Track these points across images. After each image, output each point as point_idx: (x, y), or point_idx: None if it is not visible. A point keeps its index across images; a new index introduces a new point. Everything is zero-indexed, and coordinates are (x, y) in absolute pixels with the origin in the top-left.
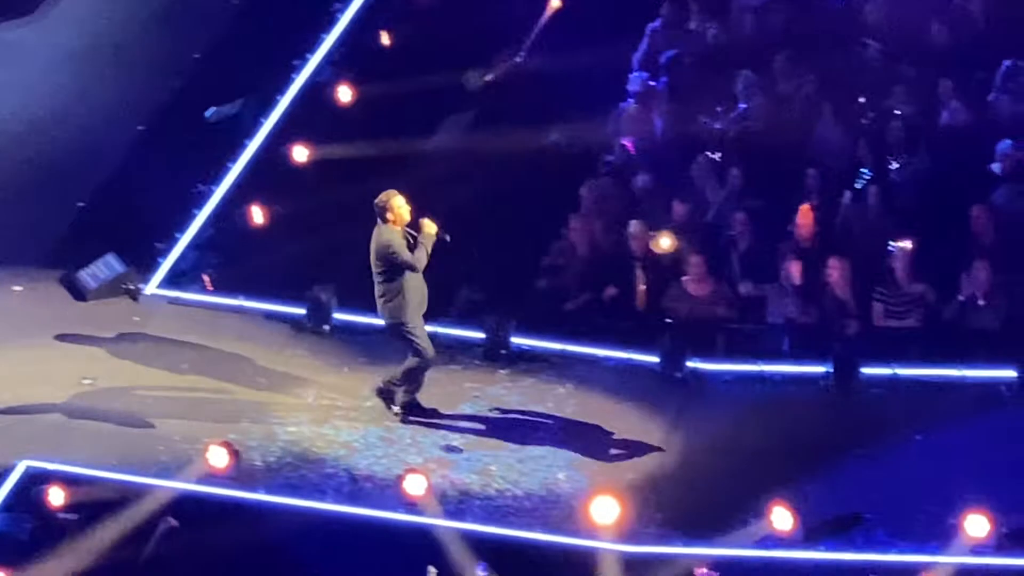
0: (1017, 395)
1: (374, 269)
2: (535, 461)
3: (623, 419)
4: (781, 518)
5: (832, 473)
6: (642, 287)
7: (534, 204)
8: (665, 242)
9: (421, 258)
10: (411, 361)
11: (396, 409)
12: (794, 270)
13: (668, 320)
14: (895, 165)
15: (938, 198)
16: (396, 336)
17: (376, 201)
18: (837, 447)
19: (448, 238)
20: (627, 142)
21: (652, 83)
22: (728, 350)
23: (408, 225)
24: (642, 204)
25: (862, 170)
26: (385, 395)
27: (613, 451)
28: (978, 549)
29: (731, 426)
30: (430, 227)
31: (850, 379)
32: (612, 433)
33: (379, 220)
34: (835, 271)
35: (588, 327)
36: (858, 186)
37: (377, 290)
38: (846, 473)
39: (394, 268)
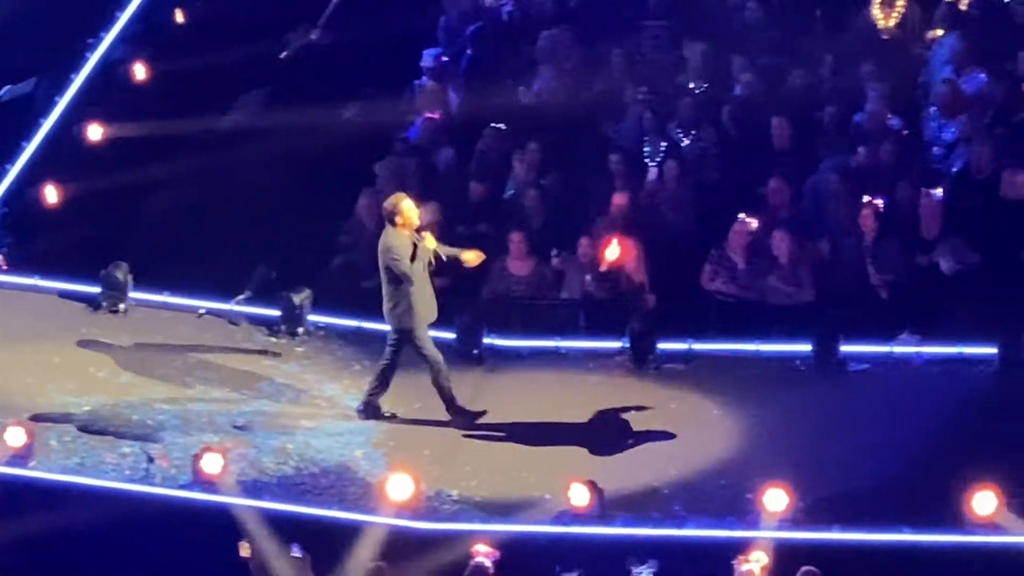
0: (813, 369)
1: (381, 274)
2: (332, 439)
3: (421, 397)
4: (578, 494)
5: (629, 448)
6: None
7: (330, 181)
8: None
9: (416, 268)
10: (430, 373)
11: (387, 411)
12: (598, 249)
13: (483, 296)
14: (686, 141)
15: (735, 172)
16: (406, 343)
17: (385, 204)
18: (634, 423)
19: (443, 257)
20: (430, 116)
21: (445, 59)
22: (525, 326)
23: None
24: (442, 182)
25: (661, 145)
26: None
27: (410, 428)
28: (777, 524)
29: (528, 402)
30: (429, 241)
31: (646, 354)
32: (409, 410)
33: (387, 224)
34: (628, 251)
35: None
36: (654, 162)
37: (384, 296)
38: (643, 448)
39: (395, 273)
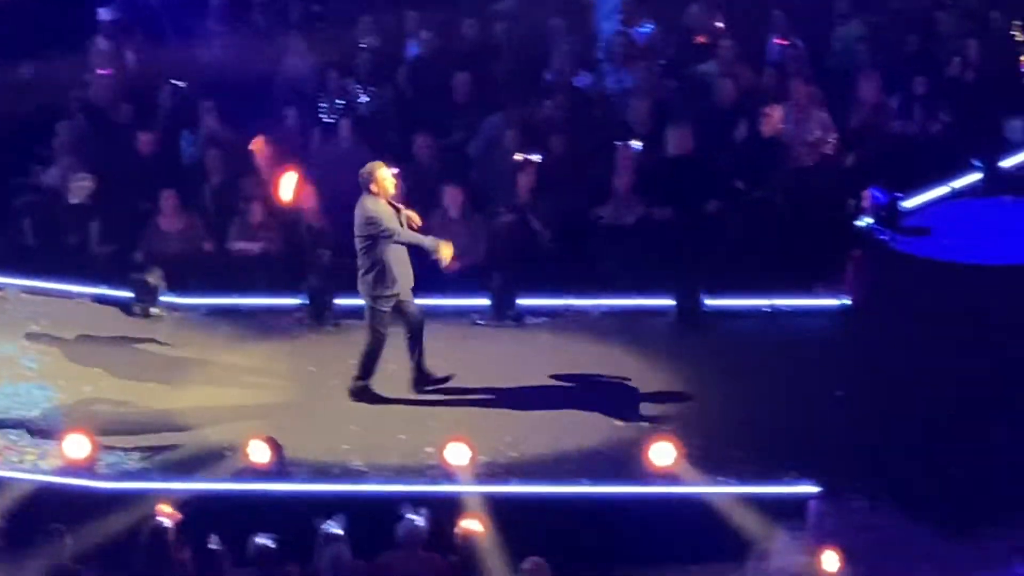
0: (491, 324)
1: (357, 242)
2: (10, 400)
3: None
4: (258, 451)
5: (310, 406)
6: None
7: (8, 142)
8: None
9: (405, 233)
10: (367, 338)
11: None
12: (255, 207)
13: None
14: (364, 98)
15: (412, 130)
16: (380, 310)
17: (360, 172)
18: (312, 381)
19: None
20: (105, 73)
21: (121, 15)
22: (203, 285)
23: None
24: (120, 141)
25: (338, 102)
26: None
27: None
28: (457, 478)
29: (206, 360)
30: (414, 219)
31: (324, 310)
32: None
33: (363, 191)
34: (308, 194)
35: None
36: (330, 119)
37: (360, 265)
38: (324, 405)
39: (376, 242)
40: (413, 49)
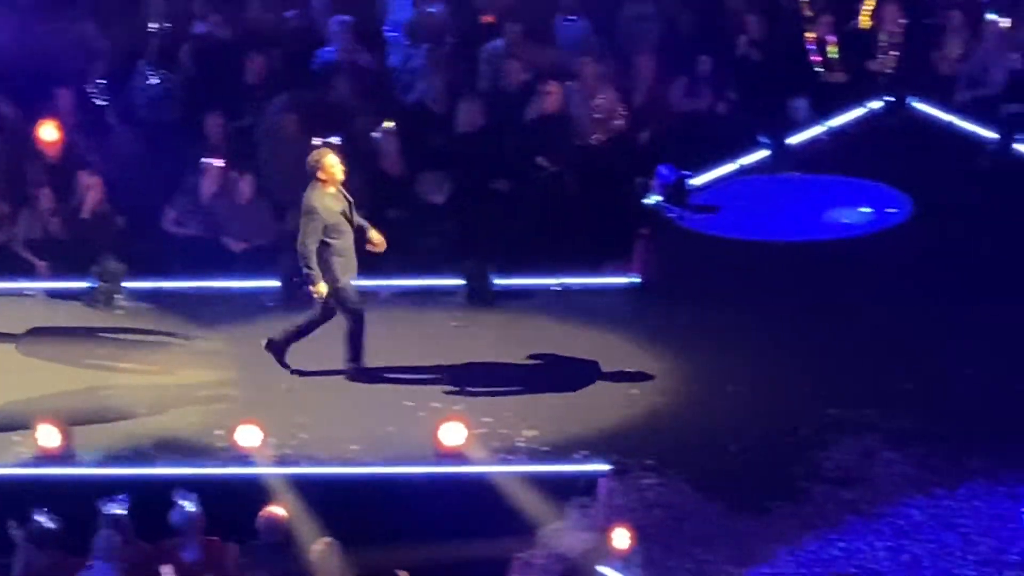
0: (281, 305)
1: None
2: None
3: None
4: (46, 435)
5: (95, 391)
6: None
7: None
8: None
9: (309, 255)
10: (348, 325)
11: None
12: (41, 193)
13: None
14: (154, 80)
15: (197, 111)
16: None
17: (308, 158)
18: (101, 363)
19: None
20: None
21: None
22: None
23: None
24: None
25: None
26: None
27: None
28: (248, 461)
29: None
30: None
31: (113, 293)
32: None
33: (311, 178)
34: (91, 188)
35: None
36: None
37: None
38: (112, 386)
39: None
40: (200, 31)
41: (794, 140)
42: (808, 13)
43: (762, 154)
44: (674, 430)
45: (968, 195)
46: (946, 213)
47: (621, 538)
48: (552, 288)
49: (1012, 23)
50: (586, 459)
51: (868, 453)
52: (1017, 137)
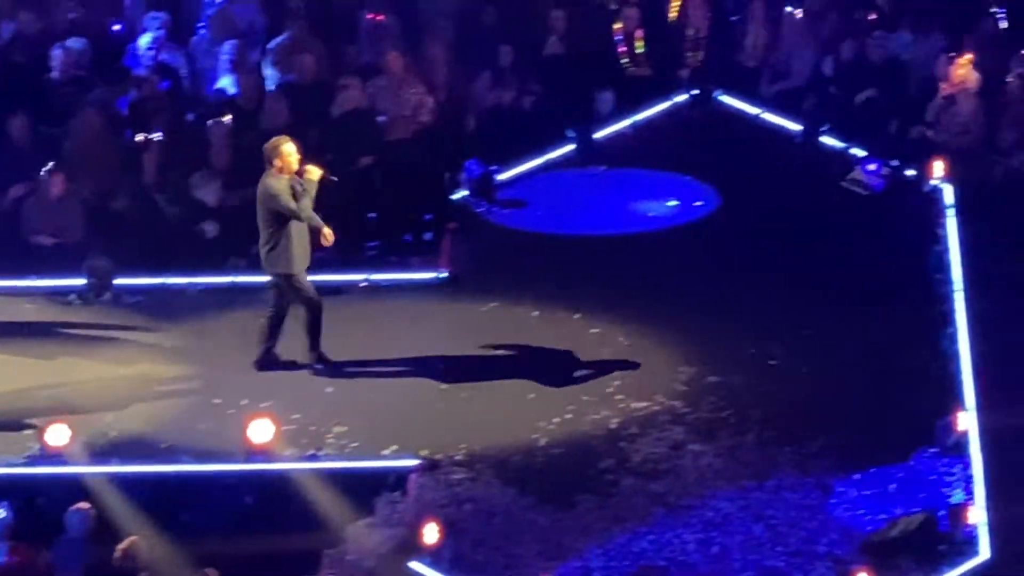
0: (87, 303)
1: (259, 218)
2: None
3: None
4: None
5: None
6: None
7: None
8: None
9: (306, 206)
10: (305, 315)
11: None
12: None
13: None
14: None
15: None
16: (286, 287)
17: (264, 147)
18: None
19: (335, 179)
20: None
21: None
22: None
23: (297, 173)
24: None
25: None
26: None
27: None
28: (55, 459)
29: None
30: (313, 172)
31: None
32: None
33: (267, 167)
34: None
35: None
36: None
37: (261, 240)
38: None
39: (277, 217)
40: (7, 30)
41: (601, 134)
42: (612, 6)
43: (569, 148)
44: (483, 425)
45: (774, 187)
46: (753, 205)
47: (430, 533)
48: (360, 284)
49: (812, 15)
50: (395, 455)
51: (676, 446)
52: (821, 129)
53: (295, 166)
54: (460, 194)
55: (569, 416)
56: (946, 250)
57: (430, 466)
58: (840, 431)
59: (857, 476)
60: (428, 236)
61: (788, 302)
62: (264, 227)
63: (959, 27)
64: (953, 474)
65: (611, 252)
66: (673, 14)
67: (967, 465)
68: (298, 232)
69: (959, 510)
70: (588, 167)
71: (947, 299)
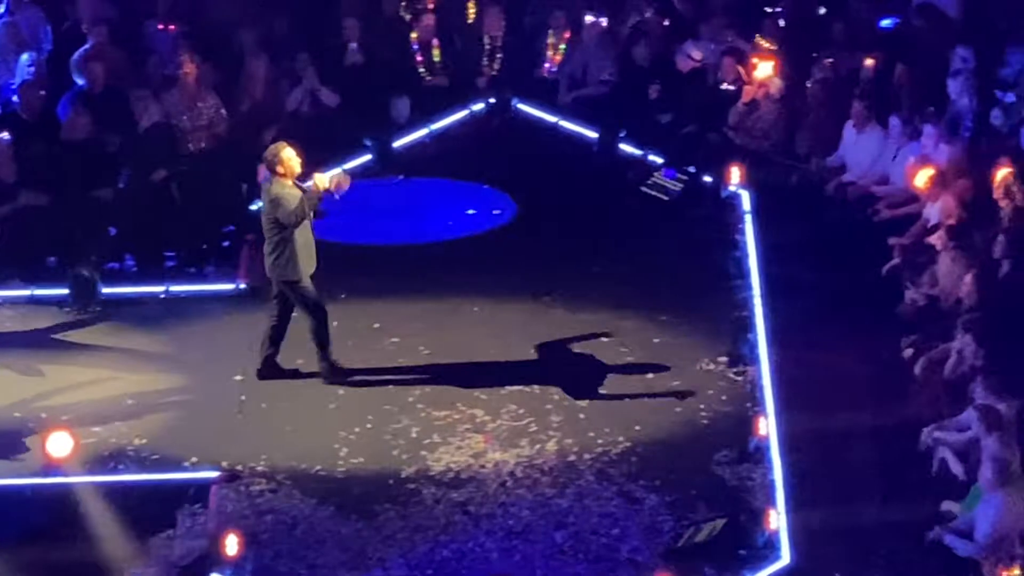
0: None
1: (264, 226)
2: None
3: None
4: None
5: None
6: None
7: None
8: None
9: (298, 212)
10: (310, 322)
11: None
12: None
13: None
14: None
15: None
16: (290, 294)
17: (265, 153)
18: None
19: (345, 188)
20: None
21: None
22: None
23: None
24: None
25: None
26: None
27: None
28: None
29: None
30: (320, 182)
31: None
32: None
33: (270, 172)
34: None
35: None
36: None
37: (266, 247)
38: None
39: (279, 225)
40: None
41: (399, 143)
42: (406, 16)
43: (367, 157)
44: (283, 435)
45: (572, 195)
46: (551, 213)
47: (232, 544)
48: (159, 296)
49: (610, 23)
50: (196, 466)
51: (477, 454)
52: (619, 136)
53: (297, 170)
54: (257, 205)
55: (370, 426)
56: (744, 255)
57: (231, 477)
58: (640, 437)
59: (658, 482)
60: (226, 247)
61: (586, 309)
62: (269, 234)
63: (751, 32)
64: (753, 479)
65: (410, 261)
66: (470, 21)
67: (768, 470)
68: (303, 239)
69: (760, 515)
70: (386, 176)
71: (746, 304)
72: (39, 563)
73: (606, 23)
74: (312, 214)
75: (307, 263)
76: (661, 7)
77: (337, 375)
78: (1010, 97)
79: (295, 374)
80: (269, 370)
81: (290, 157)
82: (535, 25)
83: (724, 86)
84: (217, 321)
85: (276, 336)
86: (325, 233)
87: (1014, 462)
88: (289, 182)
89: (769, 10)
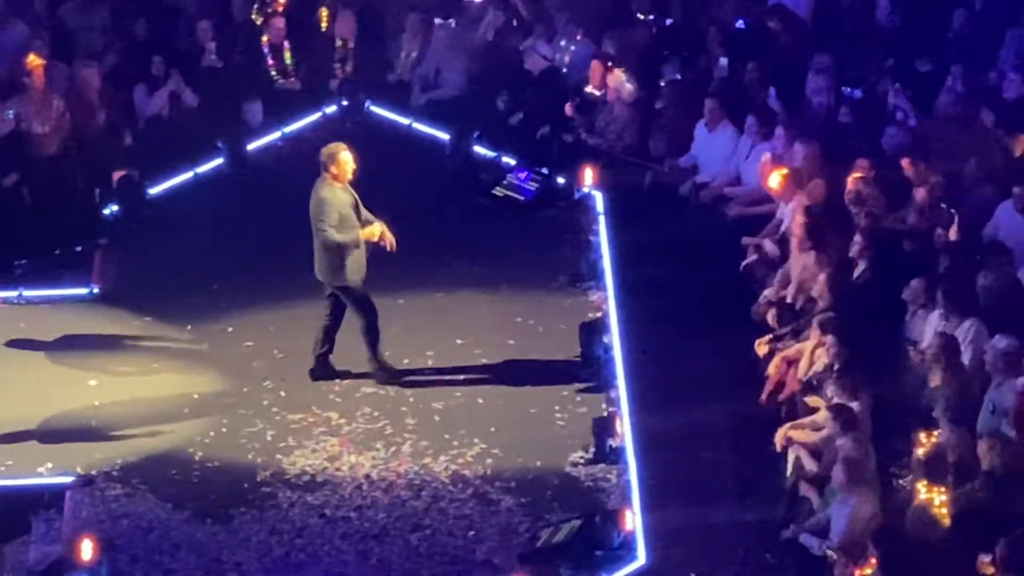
0: None
1: (312, 223)
2: None
3: None
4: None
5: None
6: None
7: None
8: None
9: (351, 231)
10: (361, 324)
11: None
12: None
13: None
14: None
15: None
16: (346, 298)
17: (322, 151)
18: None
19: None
20: None
21: None
22: None
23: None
24: None
25: None
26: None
27: None
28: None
29: None
30: (372, 233)
31: None
32: None
33: (321, 171)
34: None
35: None
36: None
37: (315, 245)
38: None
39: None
40: None
41: (252, 146)
42: (258, 19)
43: (219, 160)
44: (138, 440)
45: (426, 196)
46: (404, 214)
47: (87, 549)
48: (12, 301)
49: (460, 25)
50: (51, 472)
51: (332, 457)
52: (473, 137)
53: (350, 175)
54: (111, 209)
55: (225, 430)
56: (598, 256)
57: (86, 482)
58: (496, 439)
59: (513, 484)
60: (79, 252)
61: (442, 310)
62: (315, 236)
63: (609, 34)
64: (609, 480)
65: (260, 265)
66: (324, 24)
67: (623, 470)
68: (351, 238)
69: (616, 515)
70: (241, 178)
71: (600, 305)
72: None
73: (454, 25)
74: (361, 216)
75: (357, 267)
76: (508, 8)
77: (389, 375)
78: (857, 93)
79: (140, 381)
80: (322, 369)
81: (346, 160)
82: (386, 28)
83: (589, 89)
84: (69, 326)
85: (329, 335)
86: (180, 238)
87: (867, 462)
88: (339, 185)
89: (642, 17)
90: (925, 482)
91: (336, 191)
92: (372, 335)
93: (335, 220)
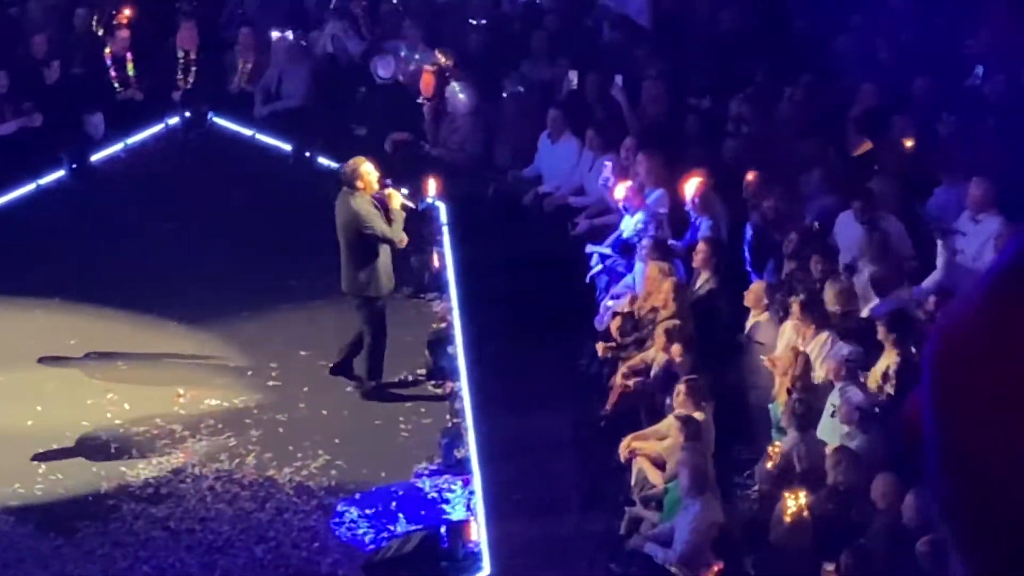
0: None
1: (341, 240)
2: None
3: None
4: None
5: None
6: None
7: None
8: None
9: (398, 232)
10: (368, 340)
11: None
12: None
13: None
14: None
15: None
16: (364, 310)
17: (343, 167)
18: None
19: (415, 206)
20: None
21: None
22: None
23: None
24: None
25: None
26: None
27: None
28: None
29: None
30: (396, 199)
31: None
32: None
33: (345, 188)
34: None
35: None
36: None
37: (346, 263)
38: None
39: (364, 240)
40: None
41: (95, 157)
42: (99, 31)
43: (61, 173)
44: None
45: (267, 207)
46: (244, 225)
47: None
48: None
49: (300, 38)
50: None
51: (176, 469)
52: (313, 148)
53: (376, 186)
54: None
55: (68, 443)
56: (442, 267)
57: None
58: (341, 450)
59: (358, 495)
60: None
61: (286, 322)
62: (350, 249)
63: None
64: (454, 490)
65: (106, 275)
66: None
67: (468, 481)
68: (385, 255)
69: (461, 526)
70: (82, 191)
71: (445, 316)
72: None
73: (293, 37)
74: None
75: (387, 280)
76: (347, 18)
77: (372, 392)
78: (705, 103)
79: None
80: (340, 369)
81: (369, 171)
82: (228, 40)
83: (420, 100)
84: None
85: (356, 343)
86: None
87: (709, 469)
88: (368, 197)
89: (473, 22)
90: (796, 492)
91: (364, 204)
92: (376, 359)
93: (382, 223)
